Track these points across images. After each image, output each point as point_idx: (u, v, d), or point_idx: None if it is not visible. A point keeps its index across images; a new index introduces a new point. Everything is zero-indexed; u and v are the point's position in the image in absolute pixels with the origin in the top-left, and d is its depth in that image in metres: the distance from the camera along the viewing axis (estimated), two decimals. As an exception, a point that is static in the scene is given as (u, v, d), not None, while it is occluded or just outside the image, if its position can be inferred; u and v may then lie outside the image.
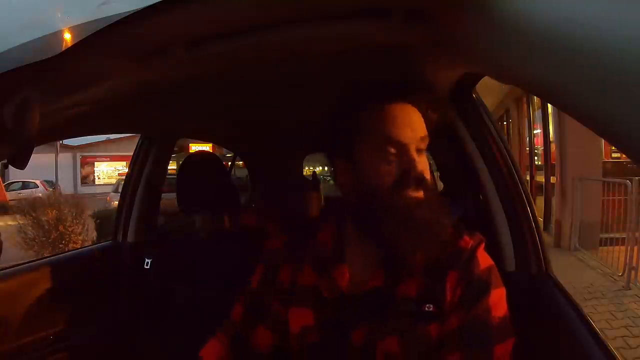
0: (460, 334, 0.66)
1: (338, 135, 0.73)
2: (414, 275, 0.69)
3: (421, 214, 0.66)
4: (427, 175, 0.69)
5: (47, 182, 15.68)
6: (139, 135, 1.53)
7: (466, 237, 0.71)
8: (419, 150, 0.69)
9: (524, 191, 0.98)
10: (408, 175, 0.66)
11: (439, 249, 0.68)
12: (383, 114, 0.69)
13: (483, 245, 0.72)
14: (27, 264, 1.29)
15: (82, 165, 22.62)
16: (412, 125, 0.68)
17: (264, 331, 0.78)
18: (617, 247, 4.26)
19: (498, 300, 0.67)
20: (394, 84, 0.71)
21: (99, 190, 18.35)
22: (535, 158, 7.47)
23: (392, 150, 0.67)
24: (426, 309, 0.67)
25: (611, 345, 0.67)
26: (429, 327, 0.67)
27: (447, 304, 0.67)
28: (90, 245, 2.00)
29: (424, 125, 0.70)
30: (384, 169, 0.68)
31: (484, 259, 0.70)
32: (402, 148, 0.67)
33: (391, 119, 0.68)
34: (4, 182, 11.13)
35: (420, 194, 0.67)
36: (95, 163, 22.96)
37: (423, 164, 0.69)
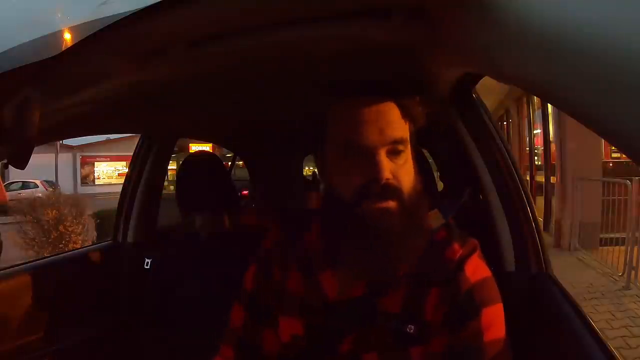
0: (451, 358, 0.59)
1: (312, 134, 0.68)
2: (397, 288, 0.63)
3: (388, 226, 0.58)
4: (406, 179, 0.61)
5: (47, 182, 15.67)
6: (139, 135, 1.53)
7: (456, 246, 0.64)
8: (394, 153, 0.61)
9: (524, 191, 0.98)
10: (372, 184, 0.58)
11: (409, 264, 0.62)
12: (347, 113, 0.61)
13: (476, 254, 0.64)
14: (27, 264, 1.28)
15: (82, 165, 22.61)
16: (381, 127, 0.59)
17: (271, 335, 0.72)
18: (617, 247, 4.26)
19: (492, 320, 0.60)
20: (371, 79, 0.63)
21: (98, 190, 18.35)
22: (535, 158, 7.46)
23: (356, 155, 0.60)
24: (407, 329, 0.61)
25: (611, 345, 0.67)
26: (410, 350, 0.61)
27: (428, 325, 0.61)
28: (90, 245, 2.00)
29: (403, 124, 0.62)
30: (345, 177, 0.60)
31: (476, 272, 0.62)
32: (367, 153, 0.59)
33: (355, 120, 0.60)
34: (4, 182, 11.12)
35: (389, 204, 0.59)
36: (95, 163, 22.96)
37: (399, 167, 0.61)
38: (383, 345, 0.62)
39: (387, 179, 0.59)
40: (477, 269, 0.63)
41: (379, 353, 0.62)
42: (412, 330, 0.61)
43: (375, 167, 0.58)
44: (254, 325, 0.73)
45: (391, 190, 0.59)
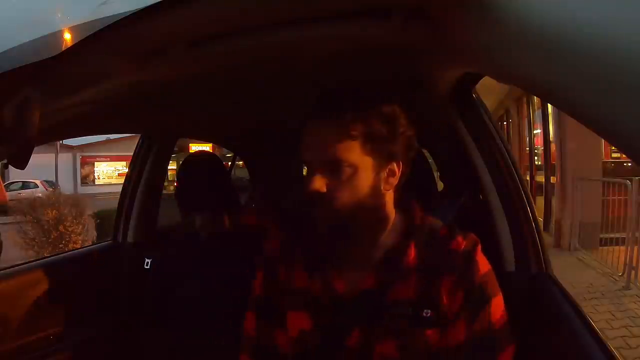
0: (466, 347, 0.65)
1: None
2: (407, 278, 0.68)
3: (322, 231, 0.69)
4: (345, 194, 0.66)
5: (47, 182, 15.68)
6: (139, 135, 1.53)
7: (459, 239, 0.70)
8: (330, 170, 0.65)
9: (524, 191, 0.98)
10: (311, 194, 0.67)
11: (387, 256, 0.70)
12: (303, 130, 0.69)
13: (479, 247, 0.70)
14: (27, 264, 1.29)
15: (82, 165, 22.62)
16: (312, 146, 0.67)
17: (282, 335, 0.75)
18: (617, 247, 4.25)
19: (498, 308, 0.67)
20: (337, 93, 0.67)
21: (98, 190, 18.36)
22: (535, 158, 7.46)
23: (307, 167, 0.70)
24: (424, 314, 0.66)
25: (611, 345, 0.67)
26: (427, 332, 0.66)
27: (446, 310, 0.66)
28: (90, 245, 2.00)
29: (336, 145, 0.64)
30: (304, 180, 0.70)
31: (483, 263, 0.69)
32: (307, 167, 0.70)
33: (302, 137, 0.68)
34: (4, 182, 11.11)
35: (317, 211, 0.68)
36: (95, 163, 22.97)
37: (339, 182, 0.65)
38: (399, 332, 0.66)
39: (317, 190, 0.66)
40: (483, 262, 0.69)
41: (396, 339, 0.66)
42: (428, 314, 0.66)
43: (307, 180, 0.67)
44: (266, 326, 0.77)
45: (315, 200, 0.66)
